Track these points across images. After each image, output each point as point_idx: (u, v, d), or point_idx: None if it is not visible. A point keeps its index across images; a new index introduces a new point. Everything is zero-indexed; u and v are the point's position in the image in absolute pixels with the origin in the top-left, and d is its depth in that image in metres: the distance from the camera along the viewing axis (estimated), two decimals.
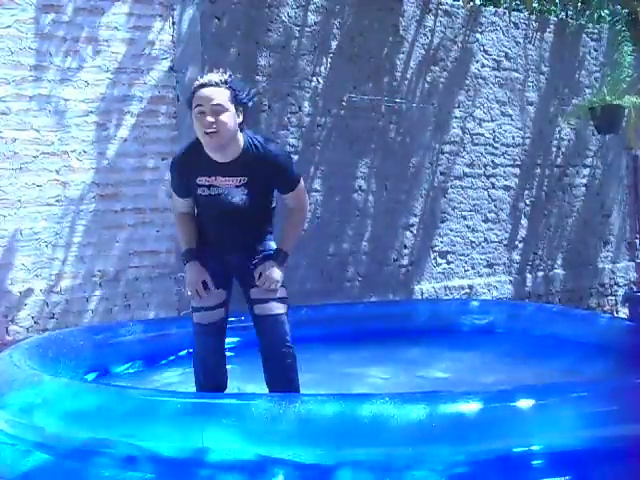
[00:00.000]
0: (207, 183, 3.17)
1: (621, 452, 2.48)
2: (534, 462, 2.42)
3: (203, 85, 3.04)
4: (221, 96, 3.01)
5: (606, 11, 6.98)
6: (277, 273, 3.26)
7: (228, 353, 3.71)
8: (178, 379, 3.90)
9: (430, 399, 2.54)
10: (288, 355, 3.26)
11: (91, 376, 3.95)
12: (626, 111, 5.82)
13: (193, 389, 3.40)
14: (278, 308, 3.27)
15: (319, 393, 2.79)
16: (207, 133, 3.01)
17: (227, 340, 4.02)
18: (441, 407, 2.47)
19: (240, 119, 3.10)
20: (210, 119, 2.99)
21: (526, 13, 6.71)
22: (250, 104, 3.15)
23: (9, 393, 2.91)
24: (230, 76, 3.11)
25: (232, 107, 3.04)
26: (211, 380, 3.33)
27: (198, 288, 3.25)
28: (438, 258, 6.24)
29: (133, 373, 4.16)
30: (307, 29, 5.55)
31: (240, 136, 3.14)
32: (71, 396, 2.76)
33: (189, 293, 3.31)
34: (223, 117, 3.00)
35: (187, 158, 3.23)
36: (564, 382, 2.96)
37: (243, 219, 3.24)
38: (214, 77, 3.06)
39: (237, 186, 3.16)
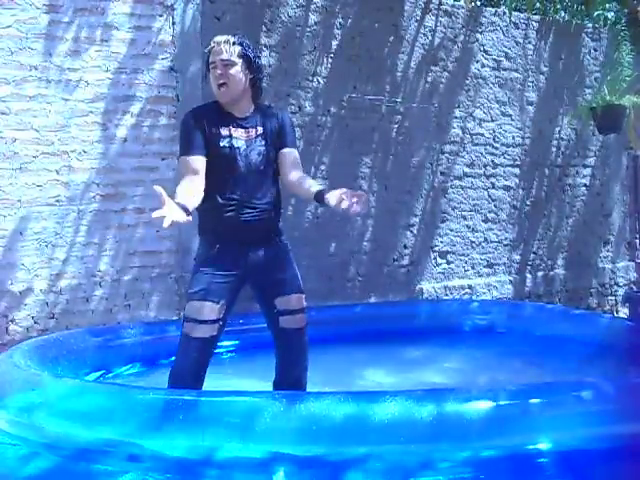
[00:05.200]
0: (229, 133, 3.22)
1: (626, 451, 2.48)
2: (541, 461, 2.43)
3: (217, 42, 3.25)
4: (230, 51, 3.23)
5: (609, 14, 6.97)
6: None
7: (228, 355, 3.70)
8: None
9: (437, 397, 2.55)
10: (306, 367, 3.33)
11: (91, 377, 3.95)
12: (627, 111, 5.81)
13: None
14: (304, 320, 3.28)
15: (324, 392, 2.79)
16: (218, 85, 3.23)
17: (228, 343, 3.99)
18: (448, 405, 2.47)
19: (250, 75, 3.26)
20: (219, 72, 3.21)
21: (526, 13, 6.71)
22: (258, 62, 3.32)
23: (10, 393, 2.91)
24: (242, 36, 3.32)
25: (240, 62, 3.24)
26: None
27: (166, 203, 2.74)
28: (438, 258, 6.23)
29: (134, 374, 4.16)
30: (307, 29, 5.55)
31: (250, 98, 3.32)
32: (72, 396, 2.76)
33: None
34: (232, 70, 3.22)
35: (205, 111, 3.29)
36: (569, 381, 2.96)
37: (263, 178, 3.24)
38: (225, 37, 3.27)
39: (255, 137, 3.25)
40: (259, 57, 3.35)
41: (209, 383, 3.21)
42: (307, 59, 5.56)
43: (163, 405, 2.61)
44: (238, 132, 3.24)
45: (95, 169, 4.73)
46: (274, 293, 3.26)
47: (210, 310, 3.12)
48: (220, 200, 3.18)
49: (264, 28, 5.35)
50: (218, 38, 3.26)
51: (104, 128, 4.75)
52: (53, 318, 4.60)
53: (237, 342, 4.47)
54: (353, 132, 5.76)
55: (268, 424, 2.45)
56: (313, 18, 5.57)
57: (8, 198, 4.48)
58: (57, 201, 4.61)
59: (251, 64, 3.26)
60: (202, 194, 3.11)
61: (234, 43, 3.23)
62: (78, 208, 4.68)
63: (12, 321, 4.49)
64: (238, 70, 3.22)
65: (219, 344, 4.04)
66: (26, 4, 4.49)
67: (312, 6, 5.56)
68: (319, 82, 5.62)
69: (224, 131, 3.22)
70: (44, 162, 4.57)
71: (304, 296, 3.31)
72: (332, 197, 2.94)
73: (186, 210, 2.84)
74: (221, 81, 3.20)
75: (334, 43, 5.68)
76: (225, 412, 2.56)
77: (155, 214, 2.68)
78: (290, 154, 3.35)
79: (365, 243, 5.87)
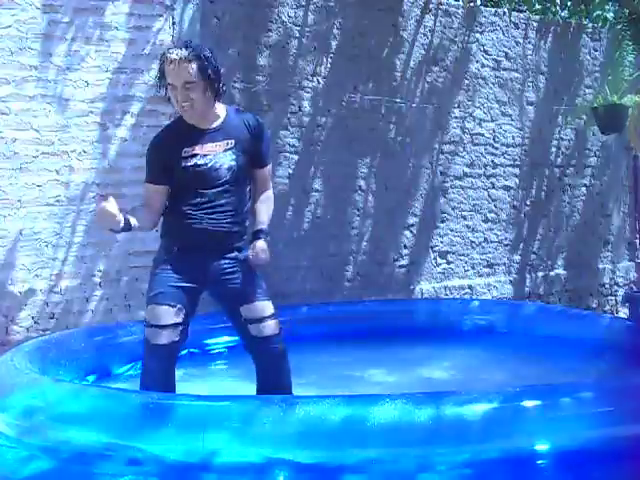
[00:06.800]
0: (193, 153, 3.14)
1: (625, 452, 2.48)
2: (540, 462, 2.42)
3: (172, 61, 3.05)
4: (190, 72, 3.05)
5: (609, 14, 6.97)
6: (267, 250, 3.20)
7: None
8: (179, 379, 3.88)
9: (436, 400, 2.54)
10: (288, 372, 3.26)
11: (92, 378, 3.94)
12: (629, 110, 5.82)
13: (194, 389, 3.38)
14: (276, 326, 3.22)
15: (323, 395, 2.78)
16: (182, 108, 3.12)
17: (222, 339, 3.96)
18: (447, 408, 2.47)
19: (210, 91, 3.13)
20: (180, 96, 3.08)
21: (526, 13, 6.71)
22: (217, 67, 3.13)
23: (10, 396, 2.91)
24: (197, 47, 3.11)
25: (202, 79, 3.08)
26: None
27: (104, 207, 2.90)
28: (438, 258, 6.23)
29: (134, 375, 4.15)
30: (307, 29, 5.54)
31: (219, 105, 3.23)
32: (72, 399, 2.75)
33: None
34: (194, 93, 3.08)
35: (169, 134, 3.25)
36: (569, 383, 2.96)
37: (230, 191, 3.17)
38: (181, 53, 3.06)
39: (225, 150, 3.17)
40: (215, 59, 3.13)
41: (207, 385, 3.22)
42: (307, 59, 5.56)
43: (162, 409, 2.61)
44: (205, 148, 3.16)
45: (95, 169, 4.73)
46: (238, 301, 3.21)
47: (167, 313, 3.07)
48: (183, 208, 3.16)
49: (264, 28, 5.35)
50: (173, 55, 3.05)
51: (104, 128, 4.75)
52: (53, 318, 4.60)
53: (233, 342, 4.46)
54: (353, 132, 5.76)
55: (267, 428, 2.45)
56: (313, 18, 5.57)
57: (8, 198, 4.48)
58: (57, 201, 4.61)
59: (211, 76, 3.09)
60: (152, 223, 3.23)
61: (191, 60, 3.04)
62: (78, 208, 4.68)
63: (12, 321, 4.49)
64: (201, 89, 3.08)
65: (219, 344, 4.03)
66: (26, 4, 4.49)
67: (312, 6, 5.56)
68: (319, 82, 5.61)
69: (189, 151, 3.14)
70: (44, 162, 4.57)
71: (270, 303, 3.23)
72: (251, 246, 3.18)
73: (126, 221, 2.98)
74: (184, 104, 3.09)
75: (334, 43, 5.68)
76: (223, 416, 2.55)
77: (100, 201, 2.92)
78: (261, 174, 3.33)
79: (365, 243, 5.87)
